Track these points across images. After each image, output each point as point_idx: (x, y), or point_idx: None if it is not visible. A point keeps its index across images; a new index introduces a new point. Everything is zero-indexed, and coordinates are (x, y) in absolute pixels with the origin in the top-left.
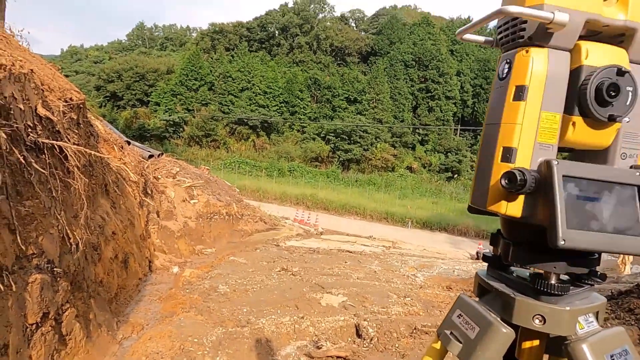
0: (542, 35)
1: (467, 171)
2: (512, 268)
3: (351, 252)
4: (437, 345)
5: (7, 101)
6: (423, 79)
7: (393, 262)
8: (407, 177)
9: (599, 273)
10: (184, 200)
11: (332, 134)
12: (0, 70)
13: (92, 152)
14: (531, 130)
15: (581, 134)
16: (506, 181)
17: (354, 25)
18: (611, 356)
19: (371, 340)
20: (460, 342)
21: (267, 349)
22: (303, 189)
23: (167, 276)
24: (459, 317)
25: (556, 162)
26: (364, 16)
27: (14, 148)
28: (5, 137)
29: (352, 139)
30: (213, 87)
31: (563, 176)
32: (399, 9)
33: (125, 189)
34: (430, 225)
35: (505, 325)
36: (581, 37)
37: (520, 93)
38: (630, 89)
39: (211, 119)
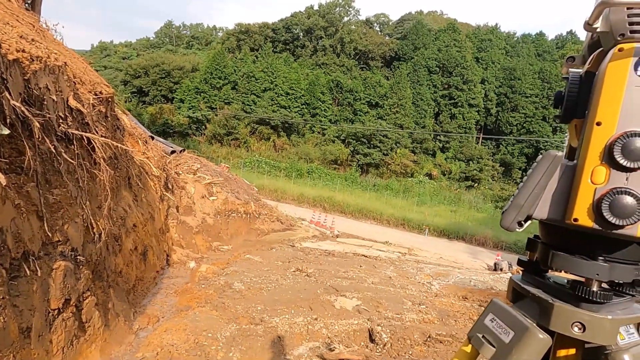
0: None
1: (488, 180)
2: (549, 274)
3: (366, 256)
4: (468, 349)
5: (41, 92)
6: (446, 86)
7: (408, 269)
8: (425, 183)
9: None
10: (203, 197)
11: (352, 137)
12: (35, 62)
13: (118, 145)
14: None
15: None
16: None
17: (379, 29)
18: None
19: (384, 345)
20: (494, 346)
21: (279, 347)
22: (321, 191)
23: (183, 270)
24: (492, 321)
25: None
26: (388, 21)
27: (45, 137)
28: (38, 126)
29: (372, 143)
30: (236, 87)
31: None
32: (424, 14)
33: (148, 182)
34: (448, 233)
35: (542, 331)
36: None
37: None
38: (564, 91)
39: (233, 118)
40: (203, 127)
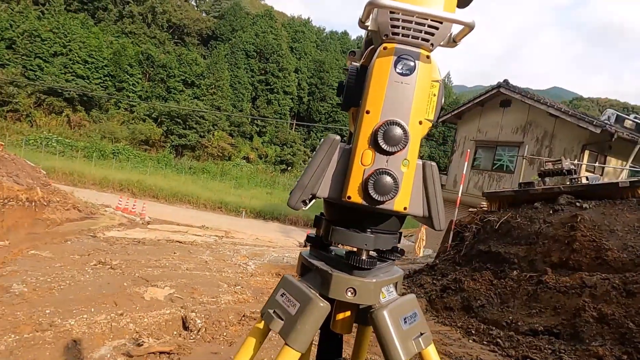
0: None
1: (300, 164)
2: (332, 247)
3: (181, 242)
4: (261, 325)
5: None
6: (263, 71)
7: (225, 252)
8: (243, 166)
9: (399, 249)
10: None
11: (166, 117)
12: None
13: None
14: None
15: None
16: None
17: (195, 4)
18: (404, 318)
19: (198, 331)
20: (282, 319)
21: (75, 352)
22: (129, 174)
23: None
24: (282, 296)
25: None
26: None
27: None
28: None
29: (187, 124)
30: (14, 46)
31: None
32: None
33: None
34: (264, 214)
35: (323, 299)
36: None
37: None
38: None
39: (10, 84)
40: None
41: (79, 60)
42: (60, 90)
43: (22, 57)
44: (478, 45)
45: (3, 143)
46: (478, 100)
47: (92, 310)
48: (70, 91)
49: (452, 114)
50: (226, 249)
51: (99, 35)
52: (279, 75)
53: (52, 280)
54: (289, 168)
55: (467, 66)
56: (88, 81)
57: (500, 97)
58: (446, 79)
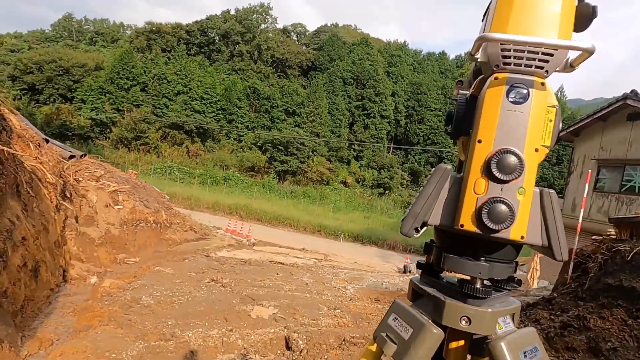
0: None
1: (398, 187)
2: (443, 274)
3: (283, 264)
4: (374, 348)
5: None
6: (360, 97)
7: (324, 275)
8: (341, 190)
9: (515, 279)
10: (107, 206)
11: (269, 145)
12: None
13: (4, 148)
14: None
15: None
16: None
17: (296, 39)
18: (524, 353)
19: (300, 352)
20: (395, 343)
21: None
22: (237, 198)
23: (83, 287)
24: (395, 320)
25: None
26: (305, 31)
27: None
28: None
29: (289, 150)
30: (146, 88)
31: None
32: (339, 27)
33: (41, 190)
34: (362, 238)
35: (436, 326)
36: None
37: None
38: (454, 111)
39: (142, 121)
40: (108, 130)
41: (197, 97)
42: (181, 124)
43: (152, 97)
44: (596, 53)
45: (137, 172)
46: (600, 114)
47: (206, 324)
48: (189, 125)
49: (568, 131)
50: (325, 272)
51: (213, 74)
52: (376, 100)
53: (173, 294)
54: (387, 192)
55: (584, 77)
56: (204, 115)
57: (628, 109)
58: (559, 93)
